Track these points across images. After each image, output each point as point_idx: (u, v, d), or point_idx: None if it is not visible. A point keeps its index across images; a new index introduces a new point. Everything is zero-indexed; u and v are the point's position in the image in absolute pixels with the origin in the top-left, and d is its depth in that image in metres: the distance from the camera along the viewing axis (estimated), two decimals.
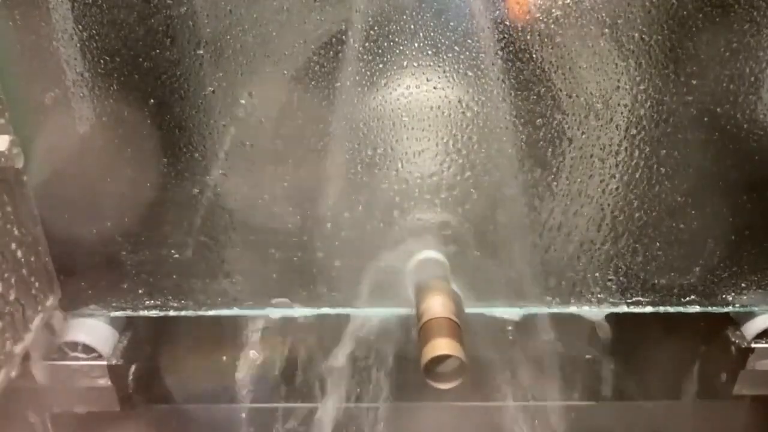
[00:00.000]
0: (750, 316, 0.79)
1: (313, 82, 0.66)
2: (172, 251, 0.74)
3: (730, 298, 0.77)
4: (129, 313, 0.77)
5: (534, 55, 0.65)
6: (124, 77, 0.66)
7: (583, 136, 0.69)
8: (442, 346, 0.62)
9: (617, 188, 0.71)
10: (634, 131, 0.69)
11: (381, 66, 0.66)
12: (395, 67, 0.66)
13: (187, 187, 0.71)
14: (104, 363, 0.77)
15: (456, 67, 0.66)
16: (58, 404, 0.80)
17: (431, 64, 0.66)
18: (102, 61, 0.65)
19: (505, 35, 0.64)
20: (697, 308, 0.77)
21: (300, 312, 0.78)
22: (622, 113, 0.68)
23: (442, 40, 0.65)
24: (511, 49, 0.65)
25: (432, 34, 0.65)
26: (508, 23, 0.64)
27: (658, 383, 0.91)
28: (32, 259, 0.69)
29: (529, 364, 0.89)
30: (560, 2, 0.63)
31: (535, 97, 0.67)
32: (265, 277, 0.75)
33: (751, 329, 0.79)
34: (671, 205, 0.72)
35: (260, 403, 0.93)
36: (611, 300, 0.77)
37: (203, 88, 0.66)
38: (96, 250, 0.73)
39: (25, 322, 0.69)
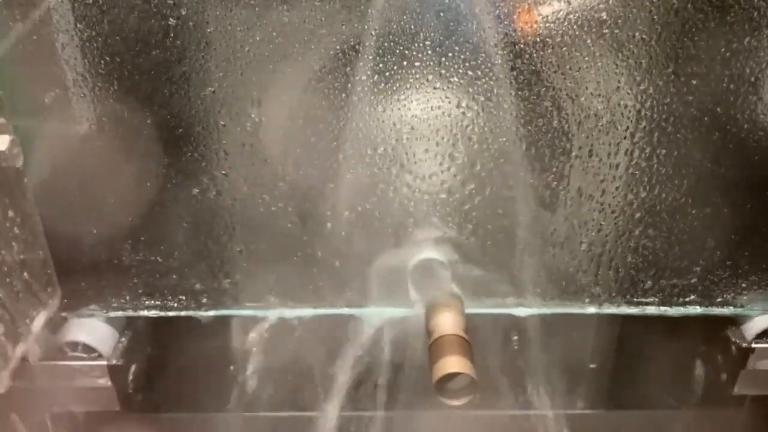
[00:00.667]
0: (750, 316, 0.79)
1: (321, 91, 0.66)
2: (172, 251, 0.74)
3: (731, 299, 0.77)
4: (129, 313, 0.77)
5: (534, 55, 0.65)
6: (124, 77, 0.66)
7: (583, 136, 0.69)
8: (453, 363, 0.63)
9: (617, 188, 0.71)
10: (634, 131, 0.69)
11: (387, 80, 0.66)
12: (402, 80, 0.66)
13: (188, 187, 0.71)
14: (104, 363, 0.77)
15: (461, 72, 0.66)
16: (58, 404, 0.80)
17: (439, 74, 0.66)
18: (102, 61, 0.65)
19: (508, 37, 0.64)
20: (697, 309, 0.77)
21: (301, 312, 0.78)
22: (622, 113, 0.68)
23: (450, 52, 0.65)
24: (511, 49, 0.65)
25: (440, 46, 0.65)
26: (515, 34, 0.64)
27: (658, 383, 0.91)
28: (32, 259, 0.69)
29: (528, 366, 0.89)
30: (561, 3, 0.63)
31: (535, 97, 0.67)
32: (266, 277, 0.75)
33: (751, 329, 0.79)
34: (671, 205, 0.72)
35: (260, 403, 0.93)
36: (611, 300, 0.77)
37: (204, 88, 0.66)
38: (96, 250, 0.73)
39: (25, 322, 0.69)
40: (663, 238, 0.73)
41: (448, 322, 0.67)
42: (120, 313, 0.77)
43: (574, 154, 0.70)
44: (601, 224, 0.73)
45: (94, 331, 0.78)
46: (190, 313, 0.77)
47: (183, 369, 0.90)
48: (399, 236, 0.74)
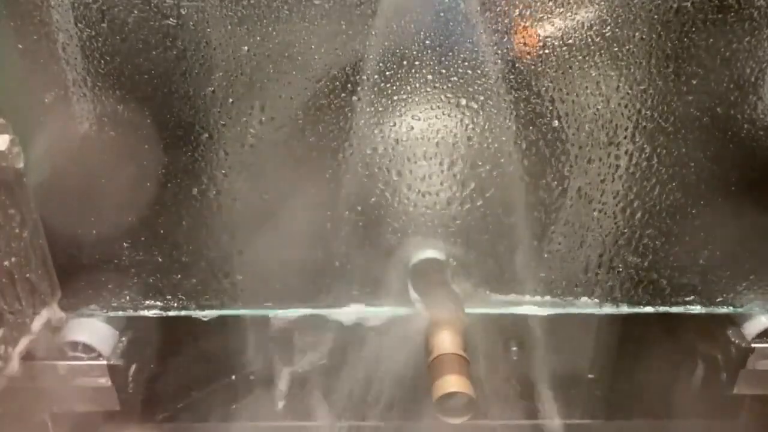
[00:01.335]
0: (750, 316, 0.79)
1: (322, 108, 0.67)
2: (172, 251, 0.74)
3: (731, 298, 0.77)
4: (129, 313, 0.77)
5: (534, 55, 0.65)
6: (124, 77, 0.66)
7: (583, 137, 0.69)
8: (452, 383, 0.65)
9: (617, 189, 0.71)
10: (634, 132, 0.69)
11: (388, 98, 0.67)
12: (402, 98, 0.67)
13: (188, 186, 0.71)
14: (104, 363, 0.77)
15: (461, 72, 0.66)
16: (58, 404, 0.80)
17: (438, 91, 0.67)
18: (102, 61, 0.65)
19: (508, 38, 0.65)
20: (697, 308, 0.77)
21: (301, 312, 0.78)
22: (622, 114, 0.68)
23: (448, 72, 0.66)
24: (509, 48, 0.65)
25: (438, 66, 0.66)
26: (514, 35, 0.64)
27: (658, 383, 0.91)
28: (32, 259, 0.69)
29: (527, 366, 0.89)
30: (561, 3, 0.63)
31: (534, 97, 0.67)
32: (265, 277, 0.75)
33: (751, 329, 0.79)
34: (672, 205, 0.72)
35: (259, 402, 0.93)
36: (611, 300, 0.77)
37: (204, 88, 0.66)
38: (96, 250, 0.73)
39: (25, 321, 0.69)
40: (663, 237, 0.73)
41: (447, 341, 0.69)
42: (120, 313, 0.77)
43: (574, 154, 0.70)
44: (601, 225, 0.73)
45: (94, 331, 0.78)
46: (190, 313, 0.77)
47: (183, 369, 0.90)
48: (400, 236, 0.74)
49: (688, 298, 0.77)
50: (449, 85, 0.67)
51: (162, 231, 0.73)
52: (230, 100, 0.67)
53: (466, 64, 0.66)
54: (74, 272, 0.74)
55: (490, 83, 0.66)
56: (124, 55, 0.65)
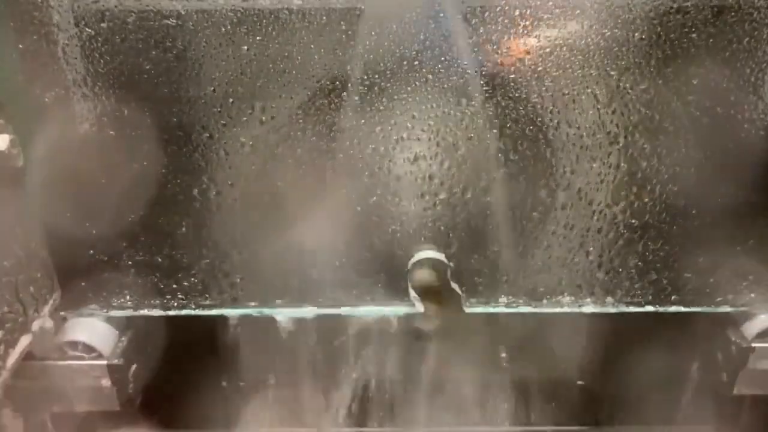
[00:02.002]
0: (750, 316, 0.79)
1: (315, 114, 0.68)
2: (172, 251, 0.74)
3: (731, 299, 0.77)
4: (129, 313, 0.77)
5: (533, 55, 0.65)
6: (124, 77, 0.66)
7: (583, 137, 0.69)
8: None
9: (618, 189, 0.71)
10: (634, 132, 0.69)
11: (376, 108, 0.67)
12: (390, 109, 0.67)
13: (188, 187, 0.71)
14: (104, 363, 0.77)
15: (459, 72, 0.66)
16: (58, 404, 0.80)
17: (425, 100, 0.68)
18: (102, 61, 0.65)
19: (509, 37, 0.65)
20: (697, 308, 0.77)
21: (300, 312, 0.78)
22: (622, 114, 0.68)
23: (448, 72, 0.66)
24: (510, 48, 0.65)
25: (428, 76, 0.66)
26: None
27: (657, 383, 0.91)
28: (32, 259, 0.69)
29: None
30: (561, 3, 0.63)
31: (534, 97, 0.67)
32: (265, 277, 0.75)
33: (751, 329, 0.79)
34: (672, 205, 0.72)
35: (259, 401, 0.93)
36: (611, 300, 0.77)
37: (203, 88, 0.66)
38: (96, 250, 0.73)
39: (25, 321, 0.69)
40: (663, 238, 0.73)
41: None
42: (120, 313, 0.77)
43: (573, 155, 0.70)
44: (601, 225, 0.73)
45: (94, 330, 0.78)
46: (190, 313, 0.77)
47: (182, 368, 0.90)
48: (397, 236, 0.74)
49: (687, 298, 0.77)
50: (449, 84, 0.67)
51: (162, 231, 0.73)
52: (230, 100, 0.67)
53: (467, 64, 0.66)
54: (74, 272, 0.74)
55: (490, 83, 0.66)
56: (124, 55, 0.65)
